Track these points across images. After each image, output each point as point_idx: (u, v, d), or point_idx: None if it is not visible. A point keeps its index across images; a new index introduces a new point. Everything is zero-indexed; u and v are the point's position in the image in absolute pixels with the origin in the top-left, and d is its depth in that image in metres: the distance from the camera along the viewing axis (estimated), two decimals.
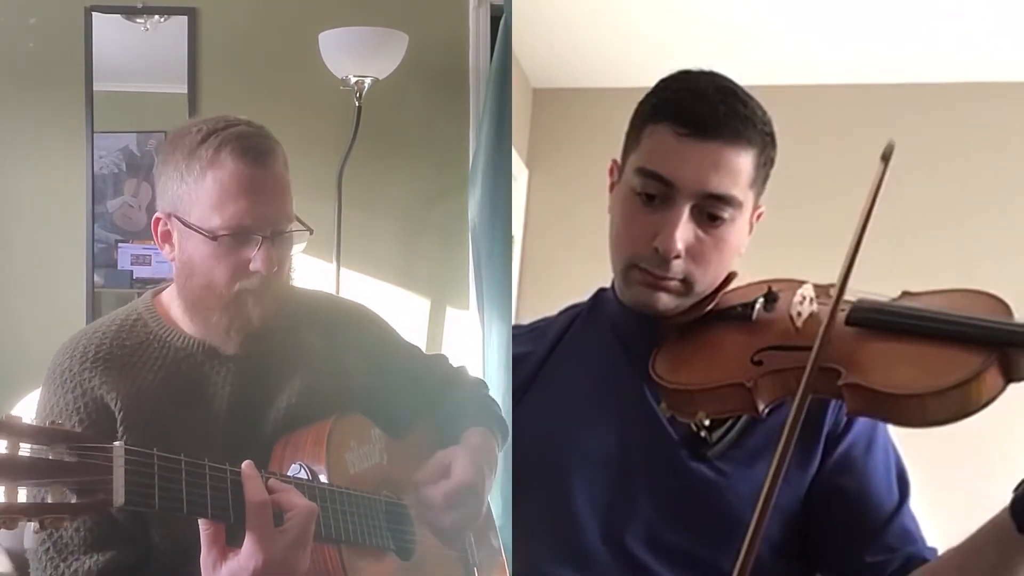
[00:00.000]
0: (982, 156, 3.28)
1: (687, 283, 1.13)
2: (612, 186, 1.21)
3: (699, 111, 1.10)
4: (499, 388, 2.29)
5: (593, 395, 1.19)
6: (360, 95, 2.65)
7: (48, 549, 1.20)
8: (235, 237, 1.20)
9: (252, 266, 1.21)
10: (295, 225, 1.25)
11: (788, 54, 3.19)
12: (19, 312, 2.75)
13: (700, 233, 1.11)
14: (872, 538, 1.10)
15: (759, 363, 1.05)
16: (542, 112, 3.43)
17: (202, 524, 1.05)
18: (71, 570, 1.19)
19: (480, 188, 2.64)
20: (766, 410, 1.03)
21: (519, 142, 3.23)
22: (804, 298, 1.09)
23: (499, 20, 2.61)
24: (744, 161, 1.11)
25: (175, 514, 1.02)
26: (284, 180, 1.25)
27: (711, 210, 1.11)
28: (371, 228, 2.85)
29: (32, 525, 0.90)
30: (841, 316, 1.03)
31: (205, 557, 1.06)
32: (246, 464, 1.09)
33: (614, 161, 1.22)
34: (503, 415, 1.49)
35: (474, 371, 1.63)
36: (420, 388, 1.49)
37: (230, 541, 1.07)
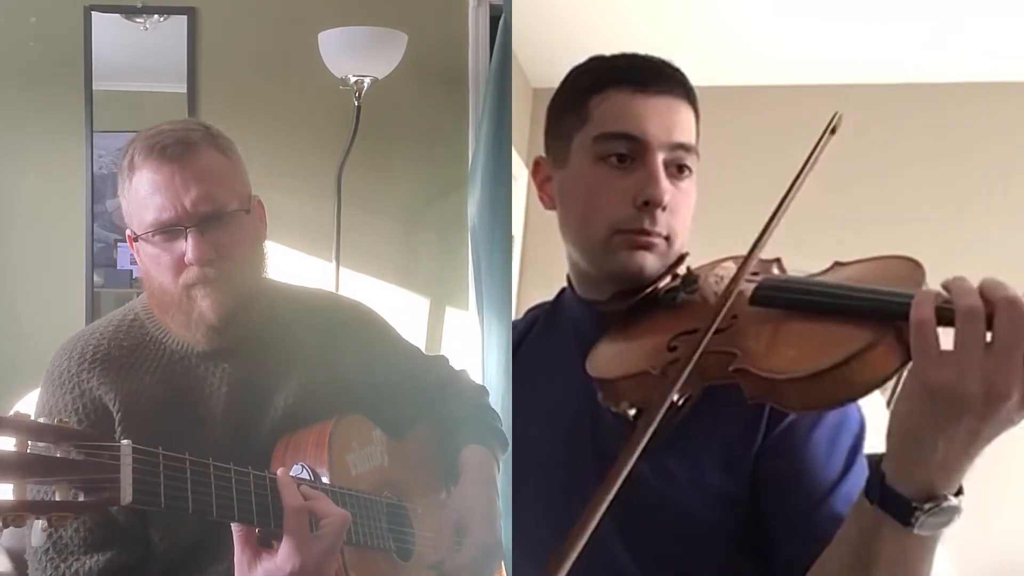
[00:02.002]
0: (981, 156, 3.28)
1: (669, 240, 1.13)
2: (543, 183, 1.22)
3: (644, 69, 1.14)
4: (499, 388, 2.29)
5: (553, 395, 1.20)
6: (359, 95, 2.65)
7: (48, 549, 1.20)
8: (163, 234, 1.20)
9: (185, 259, 1.20)
10: (234, 207, 1.23)
11: (788, 54, 3.19)
12: (19, 311, 2.75)
13: (671, 187, 1.12)
14: (794, 526, 1.04)
15: (674, 348, 1.02)
16: (542, 112, 3.42)
17: (234, 526, 1.08)
18: (71, 570, 1.20)
19: (480, 188, 2.64)
20: (680, 399, 0.98)
21: (519, 142, 3.23)
22: (721, 278, 1.07)
23: (499, 20, 2.61)
24: (690, 113, 1.15)
25: (180, 513, 1.03)
26: (212, 166, 1.22)
27: (679, 161, 1.13)
28: (371, 228, 2.85)
29: (39, 523, 0.90)
30: (747, 295, 1.00)
31: (239, 556, 1.08)
32: (281, 471, 1.12)
33: (539, 159, 1.23)
34: (501, 426, 1.48)
35: (473, 371, 1.63)
36: (420, 389, 1.48)
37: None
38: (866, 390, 0.84)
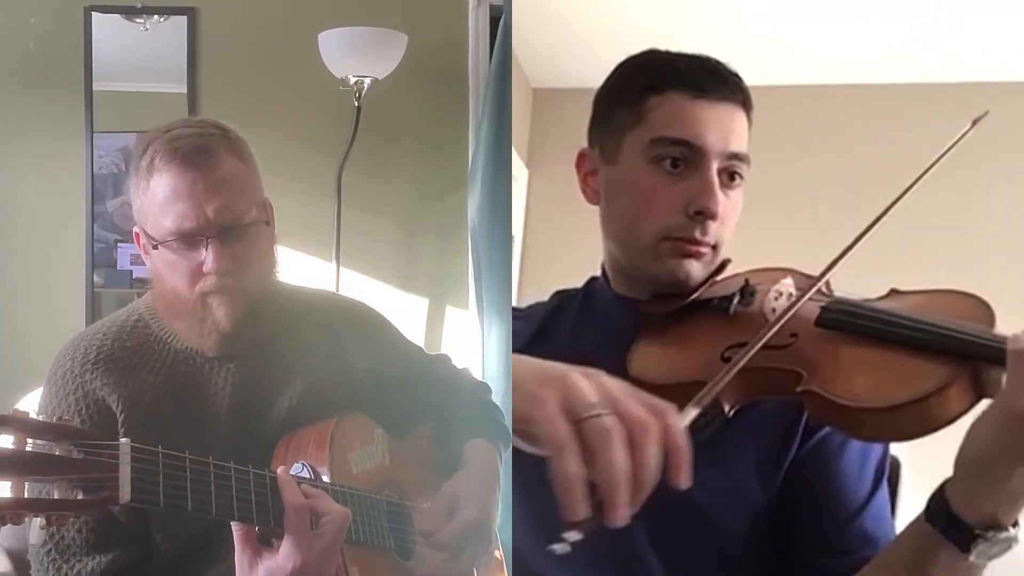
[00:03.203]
0: (981, 156, 3.28)
1: (715, 249, 1.13)
2: (587, 175, 1.20)
3: (706, 72, 1.12)
4: (499, 388, 2.28)
5: None
6: (359, 95, 2.65)
7: (50, 550, 1.20)
8: (183, 241, 1.20)
9: (204, 268, 1.20)
10: (252, 217, 1.23)
11: (788, 54, 3.19)
12: (19, 312, 2.75)
13: (722, 195, 1.11)
14: (825, 539, 1.05)
15: (728, 360, 1.01)
16: (542, 112, 3.43)
17: (235, 525, 1.07)
18: (73, 571, 1.19)
19: (480, 188, 2.64)
20: (732, 410, 0.99)
21: (519, 142, 3.23)
22: (781, 293, 1.06)
23: (499, 20, 2.61)
24: (745, 120, 1.14)
25: (179, 512, 1.03)
26: (232, 175, 1.22)
27: (732, 170, 1.12)
28: (371, 228, 2.85)
29: (38, 521, 0.90)
30: (813, 316, 0.99)
31: (239, 556, 1.08)
32: (281, 469, 1.12)
33: (584, 151, 1.21)
34: (504, 421, 1.48)
35: (473, 371, 1.63)
36: (422, 388, 1.48)
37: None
38: (937, 427, 0.85)
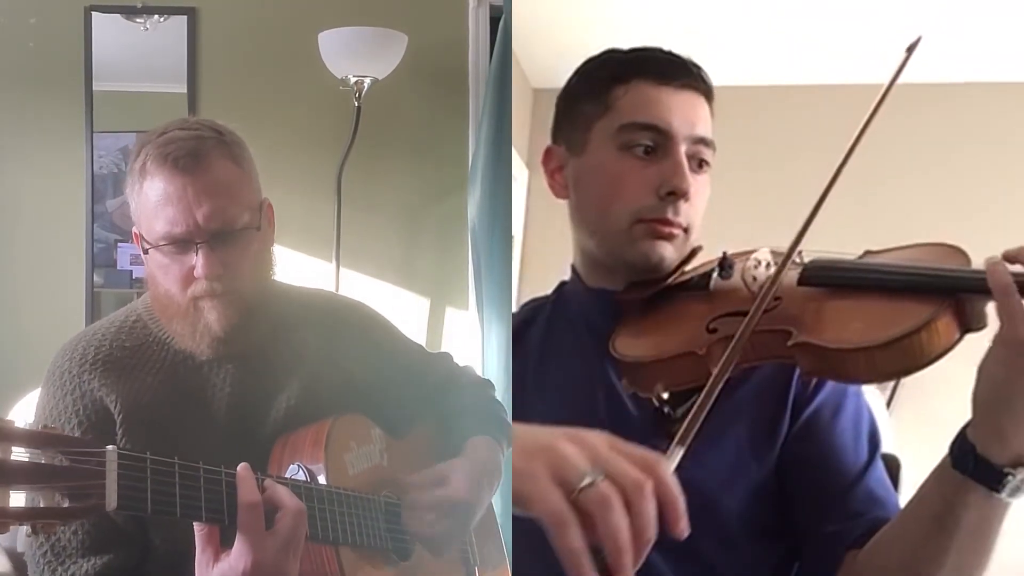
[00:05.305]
0: (981, 156, 3.28)
1: (687, 232, 1.16)
2: (554, 171, 1.24)
3: (669, 62, 1.17)
4: (499, 388, 2.28)
5: (561, 382, 1.19)
6: (359, 95, 2.64)
7: (46, 552, 1.19)
8: (174, 246, 1.19)
9: (195, 273, 1.20)
10: (245, 221, 1.22)
11: (788, 55, 3.19)
12: (19, 312, 2.74)
13: (691, 178, 1.15)
14: (833, 505, 1.08)
15: (714, 331, 1.04)
16: (542, 112, 3.44)
17: (197, 525, 1.05)
18: (68, 573, 1.19)
19: (480, 188, 2.64)
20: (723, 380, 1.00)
21: (519, 142, 3.23)
22: (759, 262, 1.08)
23: (499, 20, 2.62)
24: (708, 109, 1.18)
25: (168, 518, 1.02)
26: (224, 180, 1.21)
27: (699, 156, 1.16)
28: (371, 228, 2.85)
29: (24, 528, 0.90)
30: (795, 277, 1.03)
31: (199, 557, 1.06)
32: (241, 466, 1.09)
33: (550, 147, 1.25)
34: (507, 418, 1.47)
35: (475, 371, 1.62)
36: (422, 386, 1.48)
37: (225, 543, 1.07)
38: (931, 360, 0.88)
